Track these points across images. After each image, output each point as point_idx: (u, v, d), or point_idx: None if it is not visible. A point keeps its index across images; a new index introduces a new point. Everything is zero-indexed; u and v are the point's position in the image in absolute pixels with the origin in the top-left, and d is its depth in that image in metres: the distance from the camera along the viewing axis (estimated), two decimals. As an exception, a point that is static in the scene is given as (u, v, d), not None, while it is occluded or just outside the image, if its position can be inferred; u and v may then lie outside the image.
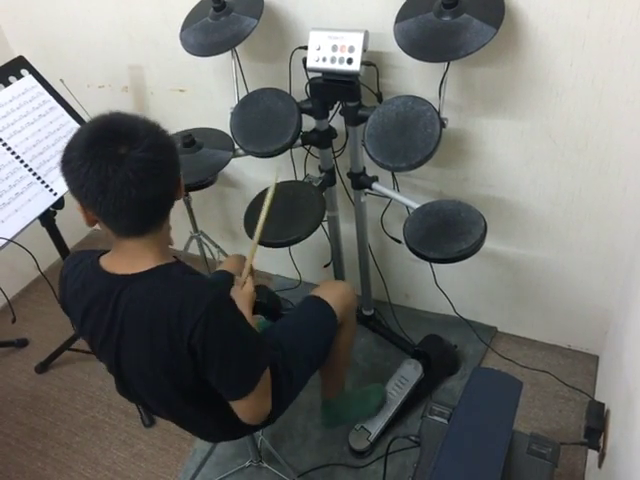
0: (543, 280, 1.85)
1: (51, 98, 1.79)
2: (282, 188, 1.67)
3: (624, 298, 1.65)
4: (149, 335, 1.02)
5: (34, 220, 1.68)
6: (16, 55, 1.79)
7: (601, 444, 1.45)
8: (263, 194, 1.59)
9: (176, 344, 0.99)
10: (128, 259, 1.04)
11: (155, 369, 1.06)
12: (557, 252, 1.75)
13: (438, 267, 1.90)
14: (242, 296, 1.32)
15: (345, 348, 1.59)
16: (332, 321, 1.46)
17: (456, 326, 2.08)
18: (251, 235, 1.41)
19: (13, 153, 1.67)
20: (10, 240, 1.59)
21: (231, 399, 1.09)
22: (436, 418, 1.21)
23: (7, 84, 1.72)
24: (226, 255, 2.35)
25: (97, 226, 1.06)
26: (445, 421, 1.19)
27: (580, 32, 1.31)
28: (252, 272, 1.41)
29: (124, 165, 0.91)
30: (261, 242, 1.48)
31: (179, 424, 1.34)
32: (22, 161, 1.68)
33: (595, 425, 1.45)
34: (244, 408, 1.11)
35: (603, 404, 1.50)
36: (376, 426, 1.78)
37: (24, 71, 1.77)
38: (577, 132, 1.47)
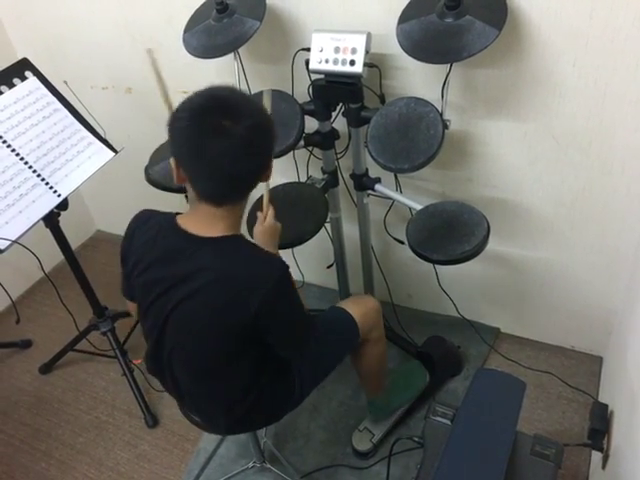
0: (546, 281, 1.85)
1: (55, 100, 1.80)
2: (285, 189, 1.68)
3: (628, 299, 1.65)
4: (213, 297, 1.09)
5: (38, 221, 1.68)
6: (20, 57, 1.79)
7: (605, 445, 1.45)
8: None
9: (240, 310, 1.07)
10: (203, 222, 1.11)
11: (208, 330, 1.13)
12: (561, 252, 1.75)
13: (441, 268, 1.90)
14: (265, 232, 1.32)
15: (378, 360, 1.61)
16: (353, 332, 1.45)
17: (459, 327, 2.07)
18: None
19: (17, 155, 1.68)
20: (14, 241, 1.60)
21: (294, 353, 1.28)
22: (439, 419, 1.21)
23: (11, 86, 1.73)
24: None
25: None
26: (448, 422, 1.19)
27: (583, 32, 1.31)
28: (271, 205, 1.39)
29: (225, 137, 0.99)
30: None
31: (193, 408, 1.35)
32: (26, 162, 1.68)
33: (599, 426, 1.44)
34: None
35: (607, 405, 1.50)
36: (379, 427, 1.78)
37: (28, 73, 1.77)
38: (580, 132, 1.47)
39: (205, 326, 1.13)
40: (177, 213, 1.17)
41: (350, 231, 1.95)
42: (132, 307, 1.32)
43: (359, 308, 1.48)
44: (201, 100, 1.02)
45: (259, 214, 1.37)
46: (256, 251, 1.13)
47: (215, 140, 0.99)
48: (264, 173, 1.11)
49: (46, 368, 2.24)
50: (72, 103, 1.84)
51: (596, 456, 1.58)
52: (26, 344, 2.37)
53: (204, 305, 1.11)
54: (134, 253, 1.20)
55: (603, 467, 1.45)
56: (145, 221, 1.21)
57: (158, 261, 1.15)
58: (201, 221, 1.11)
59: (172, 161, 1.07)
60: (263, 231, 1.32)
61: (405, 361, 1.93)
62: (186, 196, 2.05)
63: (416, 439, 1.21)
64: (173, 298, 1.13)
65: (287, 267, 1.11)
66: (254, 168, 1.07)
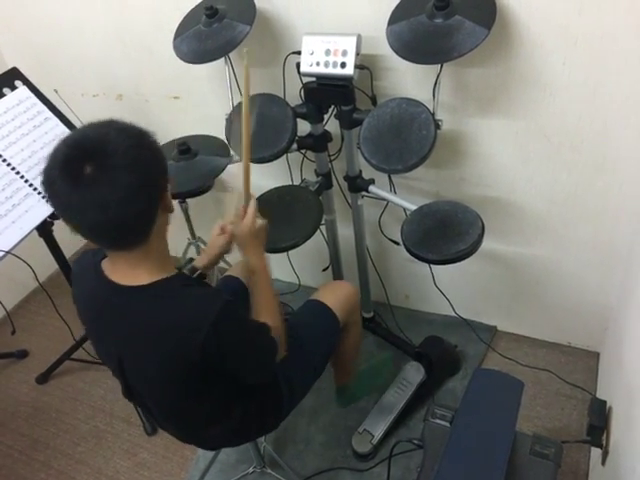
0: (542, 278, 1.85)
1: (45, 108, 1.79)
2: (279, 193, 1.67)
3: (623, 294, 1.66)
4: (155, 348, 1.03)
5: (31, 231, 1.67)
6: (10, 66, 1.78)
7: (604, 441, 1.45)
8: (263, 197, 1.60)
9: (186, 355, 1.01)
10: (125, 269, 1.04)
11: (162, 378, 1.08)
12: (555, 250, 1.75)
13: (437, 268, 1.90)
14: (245, 232, 1.21)
15: (353, 345, 1.60)
16: (333, 325, 1.46)
17: (456, 326, 2.08)
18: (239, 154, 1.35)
19: (9, 165, 1.67)
20: (8, 252, 1.59)
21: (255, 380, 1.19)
22: (438, 421, 1.20)
23: (1, 96, 1.72)
24: (224, 260, 2.35)
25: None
26: (447, 424, 1.19)
27: (572, 30, 1.31)
28: (248, 198, 1.26)
29: (86, 187, 0.88)
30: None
31: (181, 435, 1.34)
32: (18, 172, 1.68)
33: (597, 423, 1.45)
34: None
35: (605, 401, 1.50)
36: (379, 429, 1.78)
37: (18, 82, 1.77)
38: (572, 130, 1.47)
39: (158, 376, 1.08)
40: (103, 257, 1.09)
41: (345, 233, 1.95)
42: None
43: (335, 296, 1.49)
44: (63, 150, 0.91)
45: (236, 210, 1.24)
46: (188, 292, 1.04)
47: (77, 193, 0.88)
48: (157, 206, 0.98)
49: (43, 378, 2.23)
50: (63, 112, 1.83)
51: (595, 452, 1.58)
52: (22, 354, 2.36)
53: (149, 359, 1.06)
54: (79, 308, 1.16)
55: (603, 463, 1.45)
56: (81, 269, 1.15)
57: (92, 319, 1.12)
58: (122, 269, 1.04)
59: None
60: (241, 232, 1.21)
61: (402, 362, 1.92)
62: (181, 202, 2.05)
63: (416, 442, 1.20)
64: (120, 354, 1.10)
65: (224, 301, 1.02)
66: (135, 210, 0.93)
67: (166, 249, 1.08)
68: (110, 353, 1.12)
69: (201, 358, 1.01)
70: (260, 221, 1.23)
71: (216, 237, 1.34)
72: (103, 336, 1.12)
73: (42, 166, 0.93)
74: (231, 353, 1.05)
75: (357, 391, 1.79)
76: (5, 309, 1.95)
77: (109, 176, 0.88)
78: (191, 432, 1.32)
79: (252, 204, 1.23)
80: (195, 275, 1.34)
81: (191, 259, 1.40)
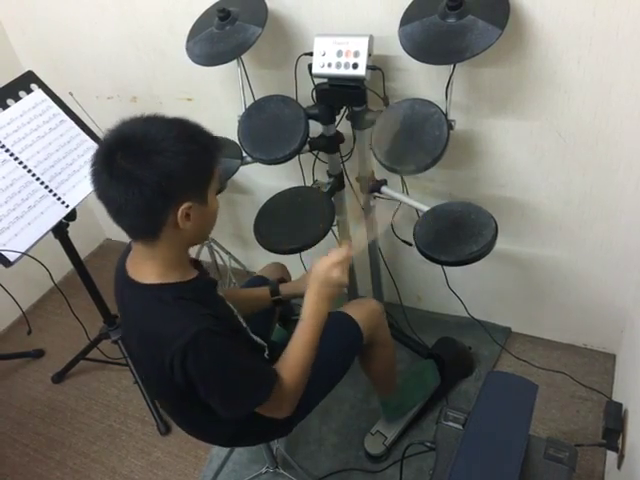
0: (557, 279, 1.83)
1: (60, 111, 1.81)
2: (291, 194, 1.67)
3: (639, 295, 1.63)
4: (142, 349, 1.09)
5: (47, 233, 1.69)
6: (25, 70, 1.81)
7: (620, 445, 1.43)
8: (275, 198, 1.63)
9: (160, 365, 1.02)
10: (138, 263, 1.09)
11: (158, 380, 1.12)
12: (570, 250, 1.73)
13: (450, 268, 1.88)
14: (318, 270, 1.15)
15: (387, 363, 1.61)
16: (356, 337, 1.43)
17: (470, 327, 2.06)
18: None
19: (25, 167, 1.69)
20: (24, 253, 1.61)
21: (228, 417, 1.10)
22: (451, 424, 1.19)
23: (17, 99, 1.74)
24: (237, 261, 2.36)
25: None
26: (460, 427, 1.18)
27: (587, 29, 1.30)
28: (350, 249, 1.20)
29: (112, 171, 0.95)
30: (272, 249, 1.49)
31: (190, 431, 1.35)
32: (34, 174, 1.70)
33: (613, 426, 1.43)
34: (261, 412, 1.12)
35: (621, 404, 1.48)
36: (392, 431, 1.78)
37: (33, 85, 1.79)
38: (587, 130, 1.46)
39: (154, 376, 1.13)
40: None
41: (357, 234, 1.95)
42: None
43: (360, 311, 1.47)
44: (108, 139, 0.98)
45: (336, 249, 1.17)
46: (176, 307, 1.02)
47: (107, 176, 0.95)
48: (167, 211, 0.98)
49: (59, 377, 2.25)
50: (78, 114, 1.85)
51: (611, 456, 1.56)
52: (38, 354, 2.39)
53: (142, 357, 1.13)
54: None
55: (619, 467, 1.43)
56: (120, 258, 1.18)
57: (118, 304, 1.18)
58: (137, 263, 1.09)
59: None
60: (316, 269, 1.15)
61: (416, 362, 1.91)
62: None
63: (428, 444, 1.20)
64: (128, 345, 1.16)
65: (203, 328, 0.99)
66: (145, 206, 0.96)
67: (176, 259, 1.07)
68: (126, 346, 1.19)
69: (171, 374, 1.01)
70: (338, 275, 1.14)
71: (322, 268, 1.22)
72: (124, 326, 1.19)
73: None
74: (198, 380, 1.02)
75: (403, 404, 1.78)
76: (21, 309, 1.98)
77: (125, 166, 0.94)
78: (198, 430, 1.34)
79: (341, 252, 1.16)
80: (274, 298, 1.41)
81: (281, 280, 1.46)
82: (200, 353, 0.99)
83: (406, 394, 1.78)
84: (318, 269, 1.16)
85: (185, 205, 0.99)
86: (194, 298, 1.05)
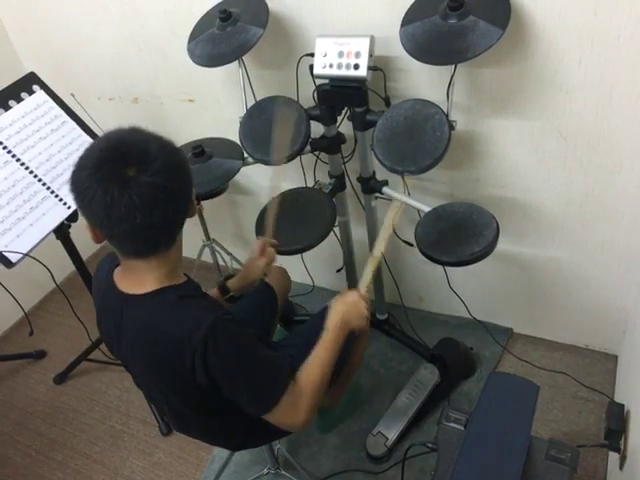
0: (558, 280, 1.83)
1: (62, 112, 1.81)
2: (293, 195, 1.68)
3: (641, 297, 1.63)
4: (153, 359, 1.03)
5: (49, 234, 1.69)
6: (27, 71, 1.81)
7: (622, 446, 1.43)
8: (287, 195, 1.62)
9: (180, 370, 0.99)
10: (134, 278, 1.04)
11: (163, 390, 1.08)
12: (572, 251, 1.73)
13: (451, 269, 1.89)
14: (355, 313, 1.21)
15: (358, 358, 1.58)
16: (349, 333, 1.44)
17: (471, 328, 2.06)
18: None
19: (27, 168, 1.69)
20: (26, 254, 1.61)
21: (252, 414, 1.07)
22: (452, 425, 1.19)
23: (19, 100, 1.75)
24: (238, 262, 2.36)
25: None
26: (461, 428, 1.18)
27: (588, 29, 1.29)
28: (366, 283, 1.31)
29: (130, 189, 0.88)
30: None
31: (195, 436, 1.35)
32: (36, 176, 1.70)
33: (615, 426, 1.43)
34: (272, 421, 1.08)
35: (623, 405, 1.48)
36: (393, 431, 1.77)
37: (35, 87, 1.79)
38: (588, 130, 1.45)
39: (159, 390, 1.09)
40: (116, 266, 1.10)
41: (359, 234, 1.95)
42: None
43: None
44: (98, 153, 0.91)
45: (361, 289, 1.28)
46: (185, 304, 1.02)
47: (121, 194, 0.88)
48: (187, 212, 1.01)
49: (60, 378, 2.25)
50: (79, 115, 1.85)
51: (613, 457, 1.56)
52: (40, 355, 2.39)
53: (148, 373, 1.07)
54: (98, 313, 1.18)
55: (621, 468, 1.43)
56: (99, 272, 1.17)
57: (105, 325, 1.14)
58: (132, 277, 1.04)
59: (86, 220, 0.97)
60: (352, 311, 1.21)
61: (417, 364, 1.91)
62: (197, 206, 2.06)
63: (430, 445, 1.20)
64: (124, 356, 1.12)
65: (218, 315, 0.99)
66: (172, 213, 0.96)
67: (179, 261, 1.07)
68: (121, 357, 1.14)
69: (192, 374, 0.99)
70: (364, 307, 1.23)
71: (256, 259, 1.31)
72: (115, 345, 1.12)
73: (70, 173, 0.93)
74: (221, 374, 1.00)
75: (340, 413, 1.75)
76: (23, 310, 1.98)
77: (150, 181, 0.89)
78: (203, 436, 1.34)
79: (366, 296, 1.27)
80: (226, 297, 1.35)
81: (228, 276, 1.39)
82: (219, 342, 0.97)
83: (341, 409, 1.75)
84: (348, 296, 1.24)
85: (194, 196, 1.01)
86: (195, 295, 1.06)
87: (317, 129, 1.61)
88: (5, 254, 1.57)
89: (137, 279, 1.03)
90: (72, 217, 1.76)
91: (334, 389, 1.66)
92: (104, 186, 0.88)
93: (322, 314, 1.49)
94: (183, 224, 1.02)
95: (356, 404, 1.80)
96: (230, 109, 1.92)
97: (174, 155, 0.95)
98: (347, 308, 1.21)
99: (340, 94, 1.50)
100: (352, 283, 2.05)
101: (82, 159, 0.93)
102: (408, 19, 1.38)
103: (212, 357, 0.97)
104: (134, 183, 0.88)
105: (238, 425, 1.21)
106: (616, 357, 1.93)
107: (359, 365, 1.62)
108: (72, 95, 1.89)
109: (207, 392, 1.04)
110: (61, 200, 1.72)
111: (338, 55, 1.45)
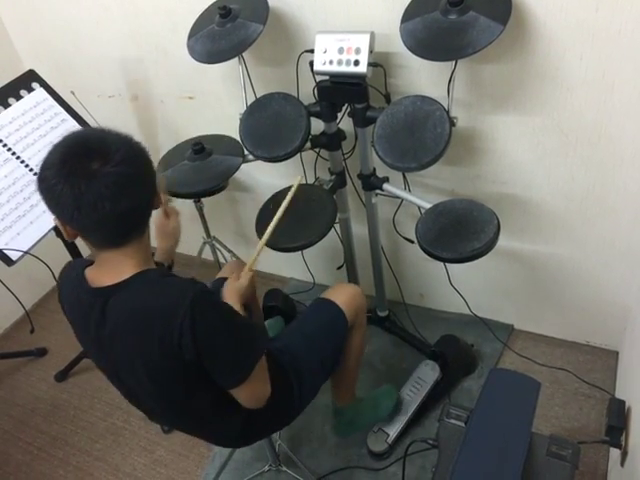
0: (559, 276, 1.83)
1: (62, 110, 1.81)
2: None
3: (643, 293, 1.63)
4: (139, 342, 1.04)
5: (49, 232, 1.69)
6: (27, 69, 1.81)
7: (623, 442, 1.43)
8: (277, 196, 1.60)
9: (167, 346, 1.01)
10: (110, 270, 1.05)
11: (150, 374, 1.08)
12: (573, 248, 1.73)
13: (452, 266, 1.89)
14: (232, 288, 1.32)
15: (357, 351, 1.58)
16: (342, 322, 1.46)
17: (472, 325, 2.06)
18: (261, 235, 1.44)
19: (27, 166, 1.69)
20: (26, 252, 1.61)
21: (228, 387, 1.11)
22: (453, 421, 1.19)
23: (19, 98, 1.75)
24: (239, 259, 2.36)
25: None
26: (462, 424, 1.18)
27: (589, 25, 1.29)
28: (251, 269, 1.40)
29: (97, 180, 0.92)
30: (275, 247, 1.48)
31: (186, 430, 1.35)
32: (35, 173, 1.69)
33: (616, 423, 1.43)
34: (243, 395, 1.13)
35: (624, 401, 1.48)
36: (394, 428, 1.77)
37: (35, 84, 1.79)
38: (589, 126, 1.45)
39: (147, 376, 1.08)
40: (90, 263, 1.12)
41: (359, 231, 1.95)
42: None
43: (343, 295, 1.49)
44: (61, 150, 0.95)
45: (237, 270, 1.38)
46: (166, 281, 1.06)
47: (87, 186, 0.92)
48: (152, 199, 1.05)
49: (62, 376, 2.26)
50: (79, 113, 1.85)
51: (614, 453, 1.56)
52: (41, 352, 2.39)
53: (136, 359, 1.06)
54: (66, 312, 1.18)
55: (622, 464, 1.43)
56: (65, 278, 1.17)
57: (79, 327, 1.15)
58: (108, 269, 1.06)
59: (55, 220, 1.00)
60: (230, 285, 1.32)
61: (418, 361, 1.91)
62: (195, 201, 2.06)
63: (430, 441, 1.20)
64: (108, 362, 1.13)
65: (200, 288, 1.03)
66: (139, 200, 1.00)
67: (149, 243, 1.11)
68: (103, 360, 1.15)
69: (179, 348, 1.00)
70: (246, 284, 1.34)
71: (164, 224, 1.34)
72: (93, 344, 1.12)
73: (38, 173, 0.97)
74: (207, 343, 1.02)
75: (356, 421, 1.73)
76: (24, 308, 1.98)
77: (114, 170, 0.93)
78: (194, 429, 1.33)
79: (246, 274, 1.36)
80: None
81: (170, 266, 1.41)
82: (206, 310, 1.02)
83: (359, 414, 1.74)
84: (229, 289, 1.33)
85: (157, 186, 1.06)
86: (173, 274, 1.12)
87: (317, 126, 1.61)
88: (5, 252, 1.58)
89: (115, 269, 1.05)
90: (72, 215, 1.75)
91: (338, 388, 1.67)
92: (71, 181, 0.92)
93: (312, 308, 1.51)
94: (150, 213, 1.07)
95: (376, 414, 1.77)
96: (230, 106, 1.91)
97: (135, 146, 1.00)
98: (228, 287, 1.32)
99: (340, 90, 1.50)
100: (353, 280, 2.05)
101: (46, 159, 0.96)
102: (408, 15, 1.37)
103: (200, 324, 1.00)
104: (99, 174, 0.93)
105: (228, 414, 1.22)
106: (617, 353, 1.93)
107: (359, 361, 1.62)
108: (72, 93, 1.89)
109: (191, 373, 1.06)
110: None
111: (338, 51, 1.44)
